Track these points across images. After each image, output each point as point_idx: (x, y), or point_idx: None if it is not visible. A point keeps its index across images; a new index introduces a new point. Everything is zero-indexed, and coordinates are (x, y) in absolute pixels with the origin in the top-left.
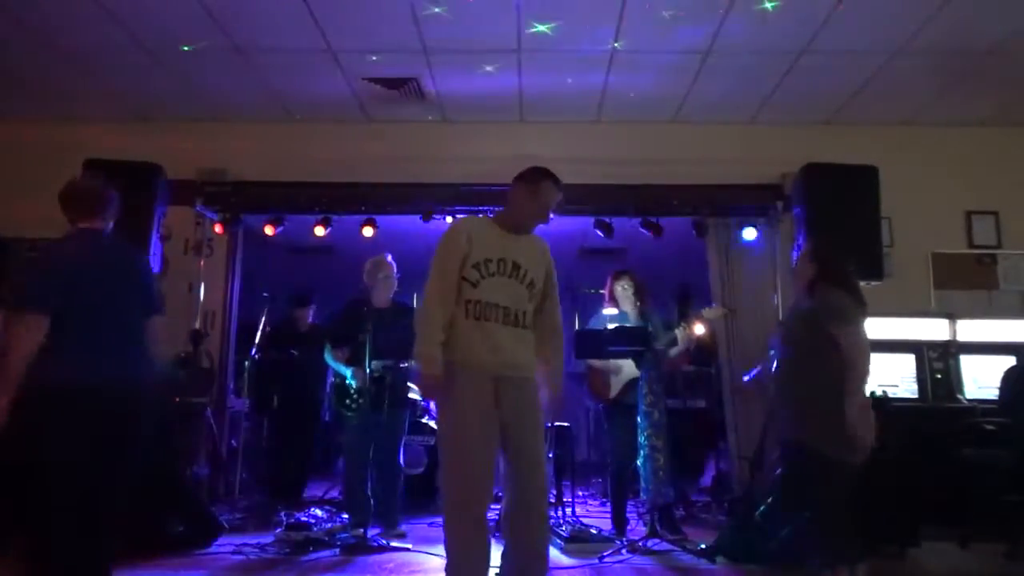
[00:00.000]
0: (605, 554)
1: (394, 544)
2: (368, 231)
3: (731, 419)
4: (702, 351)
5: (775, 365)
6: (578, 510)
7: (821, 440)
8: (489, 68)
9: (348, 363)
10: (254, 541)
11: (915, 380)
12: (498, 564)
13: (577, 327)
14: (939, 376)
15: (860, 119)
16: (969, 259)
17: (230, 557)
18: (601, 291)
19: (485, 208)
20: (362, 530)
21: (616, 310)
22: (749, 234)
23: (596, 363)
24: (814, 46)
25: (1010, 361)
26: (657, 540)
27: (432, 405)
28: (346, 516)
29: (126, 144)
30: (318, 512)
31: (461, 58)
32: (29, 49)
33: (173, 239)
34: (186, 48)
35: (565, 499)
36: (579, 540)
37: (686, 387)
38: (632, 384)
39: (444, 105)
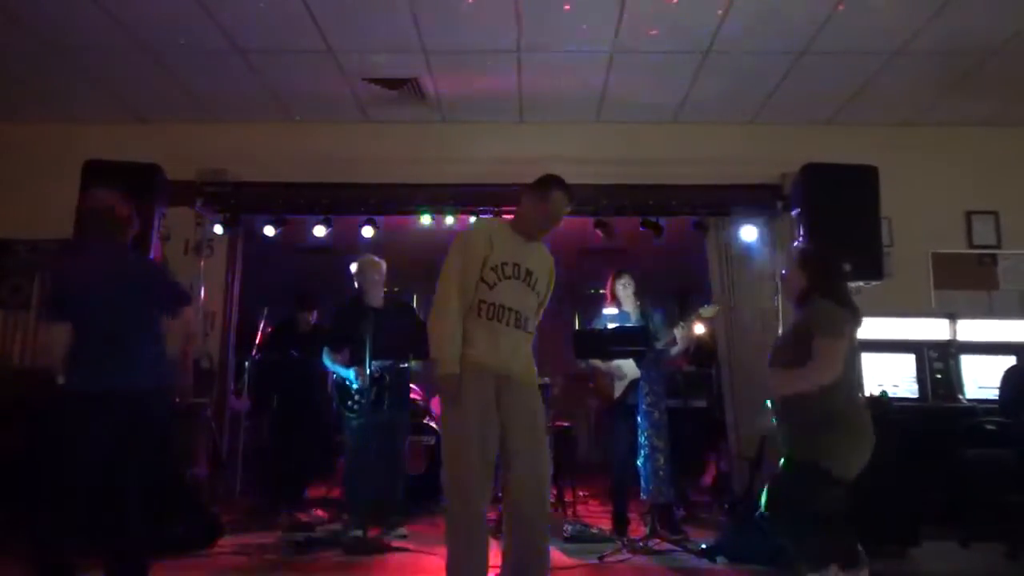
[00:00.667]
0: (605, 554)
1: (395, 544)
2: (368, 231)
3: (731, 419)
4: (702, 351)
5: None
6: (578, 510)
7: (813, 455)
8: (489, 68)
9: (349, 364)
10: (255, 542)
11: (915, 380)
12: (498, 564)
13: (577, 327)
14: (939, 376)
15: (860, 119)
16: (969, 259)
17: (231, 558)
18: (602, 291)
19: (485, 208)
20: (363, 530)
21: (616, 310)
22: (749, 234)
23: (600, 365)
24: (814, 46)
25: (1010, 361)
26: (657, 540)
27: (433, 405)
28: (347, 516)
29: (126, 144)
30: (319, 512)
31: (461, 58)
32: (29, 49)
33: (173, 240)
34: (182, 42)
35: (565, 499)
36: (579, 540)
37: (686, 387)
38: (634, 385)
39: (444, 105)
